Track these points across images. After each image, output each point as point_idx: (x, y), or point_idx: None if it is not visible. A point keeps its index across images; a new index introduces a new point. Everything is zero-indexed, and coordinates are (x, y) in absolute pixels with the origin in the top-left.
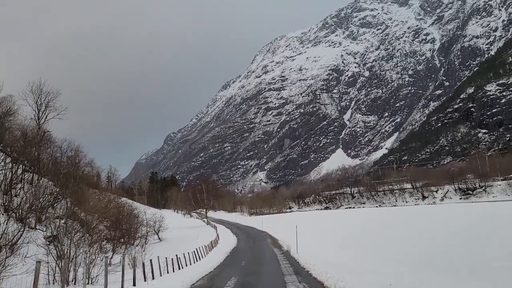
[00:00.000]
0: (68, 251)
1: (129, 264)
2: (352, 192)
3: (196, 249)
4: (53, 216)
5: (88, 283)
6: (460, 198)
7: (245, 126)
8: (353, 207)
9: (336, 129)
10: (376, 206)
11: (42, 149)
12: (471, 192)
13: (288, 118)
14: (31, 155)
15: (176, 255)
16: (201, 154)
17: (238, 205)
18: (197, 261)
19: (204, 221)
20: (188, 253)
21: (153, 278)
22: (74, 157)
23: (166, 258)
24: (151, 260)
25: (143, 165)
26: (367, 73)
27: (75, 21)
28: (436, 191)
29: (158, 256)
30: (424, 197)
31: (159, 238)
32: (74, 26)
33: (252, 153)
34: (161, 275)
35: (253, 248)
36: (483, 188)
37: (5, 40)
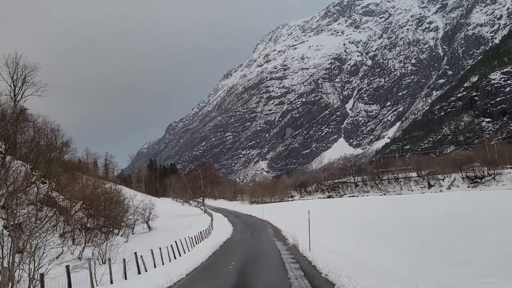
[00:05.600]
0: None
1: (98, 260)
2: (356, 181)
3: (176, 242)
4: (20, 203)
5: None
6: (468, 187)
7: (246, 115)
8: (357, 196)
9: (338, 118)
10: (381, 195)
11: (18, 128)
12: (479, 180)
13: (290, 107)
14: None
15: (135, 253)
16: (203, 143)
17: (239, 194)
18: (174, 258)
19: (201, 209)
20: (160, 248)
21: None
22: (49, 136)
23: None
24: (124, 260)
25: (145, 154)
26: (369, 62)
27: (80, 10)
28: (443, 179)
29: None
30: (430, 185)
31: (149, 227)
32: (78, 16)
33: (253, 142)
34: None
35: (250, 240)
36: (492, 176)
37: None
